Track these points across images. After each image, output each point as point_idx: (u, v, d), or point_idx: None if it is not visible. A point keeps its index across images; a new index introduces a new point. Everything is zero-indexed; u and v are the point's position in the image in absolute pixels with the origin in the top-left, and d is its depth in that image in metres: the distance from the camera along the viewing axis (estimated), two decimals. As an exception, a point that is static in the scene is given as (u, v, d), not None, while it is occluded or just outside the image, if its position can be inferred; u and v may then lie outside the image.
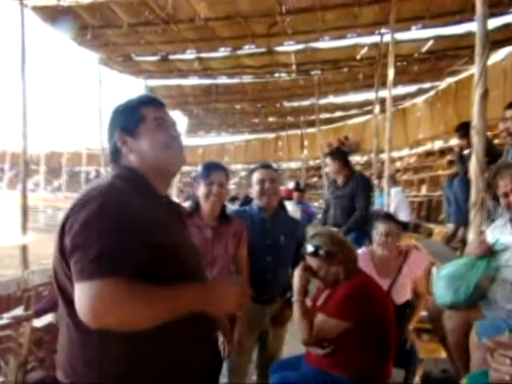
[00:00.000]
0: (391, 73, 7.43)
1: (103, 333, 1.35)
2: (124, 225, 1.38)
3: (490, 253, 2.72)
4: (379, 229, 3.60)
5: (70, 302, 1.40)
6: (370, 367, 2.56)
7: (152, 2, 7.79)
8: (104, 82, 11.21)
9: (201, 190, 2.97)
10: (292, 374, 2.80)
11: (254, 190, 3.32)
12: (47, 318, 4.60)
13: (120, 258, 1.32)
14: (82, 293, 1.29)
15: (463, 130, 5.67)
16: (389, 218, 3.81)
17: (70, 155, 31.12)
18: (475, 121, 3.21)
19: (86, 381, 1.45)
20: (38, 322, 4.72)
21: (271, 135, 25.24)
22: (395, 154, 15.17)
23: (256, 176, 3.34)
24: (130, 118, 1.67)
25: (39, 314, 3.73)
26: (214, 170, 3.01)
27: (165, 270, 1.47)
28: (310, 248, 2.76)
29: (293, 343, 3.47)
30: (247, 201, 5.11)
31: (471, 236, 3.22)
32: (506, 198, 2.65)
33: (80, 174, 29.95)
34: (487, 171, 3.28)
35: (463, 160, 5.63)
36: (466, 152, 5.96)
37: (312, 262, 2.75)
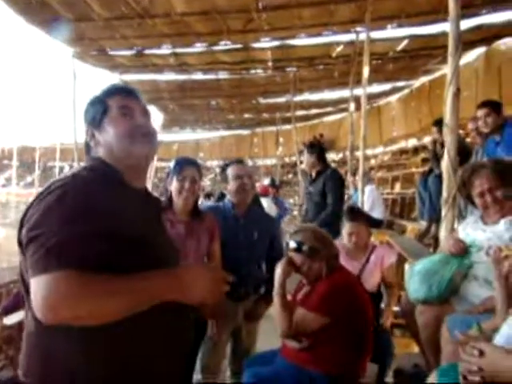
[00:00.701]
0: (366, 71, 7.49)
1: (59, 328, 1.26)
2: (82, 215, 1.30)
3: (464, 252, 2.76)
4: (345, 228, 3.71)
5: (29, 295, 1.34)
6: (346, 363, 2.57)
7: (127, -5, 7.69)
8: (78, 76, 10.98)
9: (173, 186, 2.95)
10: (265, 370, 2.79)
11: (232, 186, 3.29)
12: (18, 316, 4.54)
13: (76, 249, 1.25)
14: (37, 287, 1.21)
15: (441, 124, 5.74)
16: (355, 214, 3.86)
17: (44, 150, 30.65)
18: (448, 119, 3.25)
19: (39, 379, 1.38)
20: (8, 320, 4.66)
21: (246, 132, 25.31)
22: (370, 152, 15.35)
23: (233, 172, 3.32)
24: (97, 110, 1.61)
25: (7, 311, 3.67)
26: (186, 165, 2.99)
27: (129, 264, 1.34)
28: (292, 244, 2.76)
29: (265, 340, 3.49)
30: (222, 197, 5.10)
31: (443, 232, 3.27)
32: (482, 198, 2.68)
33: (54, 169, 29.52)
34: (459, 169, 3.37)
35: (438, 157, 5.70)
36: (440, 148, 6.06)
37: (295, 257, 2.76)
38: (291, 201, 17.00)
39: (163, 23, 8.86)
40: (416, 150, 13.16)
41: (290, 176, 20.67)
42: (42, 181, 30.34)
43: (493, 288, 2.55)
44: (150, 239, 1.52)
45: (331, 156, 18.42)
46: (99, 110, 1.60)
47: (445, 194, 3.24)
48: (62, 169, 30.16)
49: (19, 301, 3.53)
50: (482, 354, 1.39)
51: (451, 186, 3.21)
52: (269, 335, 3.42)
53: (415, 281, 2.87)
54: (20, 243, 1.35)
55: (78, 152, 11.01)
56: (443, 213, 3.26)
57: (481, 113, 4.51)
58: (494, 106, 4.51)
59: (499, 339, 1.56)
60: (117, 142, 1.55)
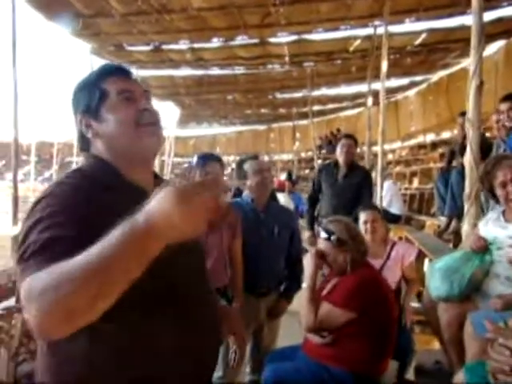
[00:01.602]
0: (384, 65, 7.43)
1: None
2: (65, 222, 1.15)
3: (485, 249, 2.73)
4: (361, 218, 3.74)
5: None
6: (368, 360, 2.56)
7: (145, -9, 7.72)
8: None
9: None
10: (287, 366, 2.79)
11: (253, 181, 3.28)
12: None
13: (47, 253, 1.08)
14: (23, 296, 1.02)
15: None
16: (368, 207, 3.90)
17: (61, 146, 30.82)
18: (470, 113, 3.22)
19: None
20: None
21: (263, 127, 25.26)
22: (387, 147, 15.21)
23: (253, 167, 3.31)
24: (91, 96, 1.39)
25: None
26: (210, 160, 3.01)
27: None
28: (322, 233, 2.77)
29: (285, 336, 3.48)
30: (238, 193, 5.09)
31: (465, 228, 3.24)
32: (504, 189, 2.65)
33: (71, 164, 29.73)
34: (481, 164, 3.33)
35: (461, 151, 5.64)
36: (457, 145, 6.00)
37: (322, 245, 2.76)
38: (305, 195, 16.96)
39: (180, 18, 8.85)
40: (434, 145, 13.01)
41: (307, 171, 20.55)
42: (59, 176, 30.58)
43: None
44: None
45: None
46: (95, 95, 1.39)
47: (467, 189, 3.20)
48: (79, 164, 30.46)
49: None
50: None
51: (474, 181, 3.17)
52: (289, 331, 3.42)
53: (436, 278, 2.85)
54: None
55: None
56: (466, 208, 3.22)
57: (504, 107, 4.43)
58: (516, 100, 4.44)
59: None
60: (120, 131, 1.38)
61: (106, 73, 1.44)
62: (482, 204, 4.22)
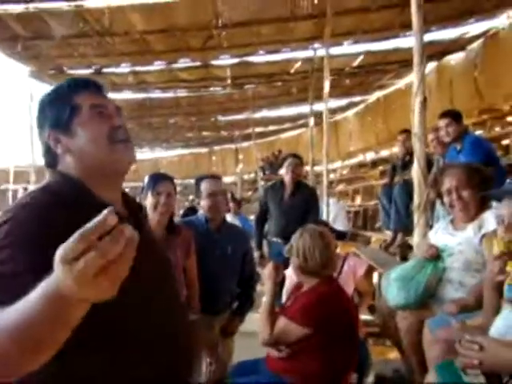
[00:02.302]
0: (327, 85, 7.63)
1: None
2: (29, 251, 1.08)
3: (437, 256, 2.84)
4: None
5: None
6: (326, 375, 2.54)
7: (87, 14, 7.61)
8: (35, 96, 10.72)
9: (148, 201, 2.92)
10: (245, 380, 2.79)
11: (206, 203, 3.29)
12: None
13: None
14: None
15: (408, 132, 5.90)
16: (322, 225, 3.91)
17: (-4, 173, 29.70)
18: (416, 128, 3.35)
19: None
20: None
21: (205, 150, 25.27)
22: (329, 166, 15.56)
23: (207, 189, 3.31)
24: (61, 110, 1.34)
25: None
26: (161, 180, 2.99)
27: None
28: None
29: (241, 355, 3.47)
30: (189, 212, 5.06)
31: (416, 238, 3.35)
32: (449, 196, 2.78)
33: (7, 192, 28.69)
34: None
35: (405, 165, 5.85)
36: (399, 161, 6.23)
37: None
38: (252, 217, 17.00)
39: (123, 41, 8.78)
40: (374, 164, 13.42)
41: (250, 193, 20.65)
42: (24, 195, 29.30)
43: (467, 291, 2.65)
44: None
45: (290, 171, 18.53)
46: (65, 109, 1.34)
47: (416, 200, 3.32)
48: (15, 192, 29.45)
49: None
50: (481, 347, 1.43)
51: (422, 193, 3.30)
52: (243, 351, 3.41)
53: (393, 288, 2.93)
54: None
55: (35, 174, 10.75)
56: (415, 219, 3.34)
57: (442, 123, 4.65)
58: (454, 116, 4.67)
59: (494, 332, 1.61)
60: (93, 147, 1.33)
61: (77, 87, 1.39)
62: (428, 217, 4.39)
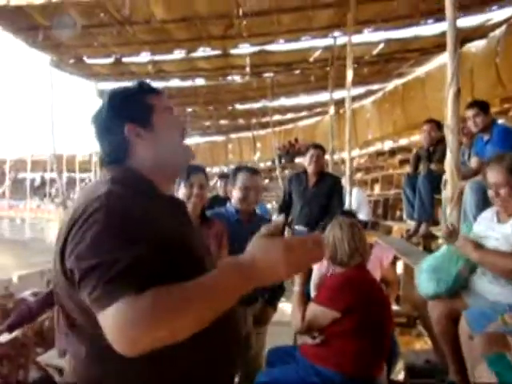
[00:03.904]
0: (350, 73, 7.57)
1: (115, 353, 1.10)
2: (134, 236, 1.18)
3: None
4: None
5: (73, 324, 1.28)
6: (360, 361, 2.56)
7: (108, 4, 7.64)
8: (55, 85, 10.78)
9: (181, 192, 2.95)
10: (280, 371, 2.82)
11: (236, 195, 3.32)
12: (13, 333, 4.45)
13: (139, 272, 1.12)
14: (108, 322, 1.08)
15: (435, 123, 5.89)
16: (349, 215, 3.91)
17: (14, 162, 29.99)
18: (449, 119, 3.34)
19: None
20: (2, 337, 4.57)
21: (221, 138, 25.26)
22: (345, 155, 15.50)
23: (241, 181, 3.32)
24: (141, 107, 1.44)
25: (12, 328, 3.60)
26: (193, 171, 3.00)
27: (185, 275, 1.17)
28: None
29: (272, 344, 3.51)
30: (215, 202, 5.08)
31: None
32: (493, 189, 2.76)
33: (25, 180, 29.01)
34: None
35: (430, 156, 5.82)
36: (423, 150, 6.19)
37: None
38: (269, 206, 17.03)
39: (143, 30, 8.82)
40: (393, 152, 13.35)
41: (267, 181, 20.65)
42: (12, 193, 29.76)
43: (502, 285, 2.64)
44: (193, 246, 1.43)
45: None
46: (144, 107, 1.44)
47: (449, 192, 3.31)
48: (33, 180, 29.77)
49: (24, 316, 3.46)
50: None
51: (455, 185, 3.29)
52: (275, 340, 3.45)
53: (423, 278, 2.94)
54: (64, 274, 1.23)
55: (51, 162, 10.84)
56: (448, 211, 3.33)
57: (470, 113, 4.61)
58: (482, 106, 4.63)
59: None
60: (171, 143, 1.47)
61: (147, 89, 1.50)
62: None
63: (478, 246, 2.70)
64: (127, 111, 1.43)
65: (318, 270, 3.29)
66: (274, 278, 1.17)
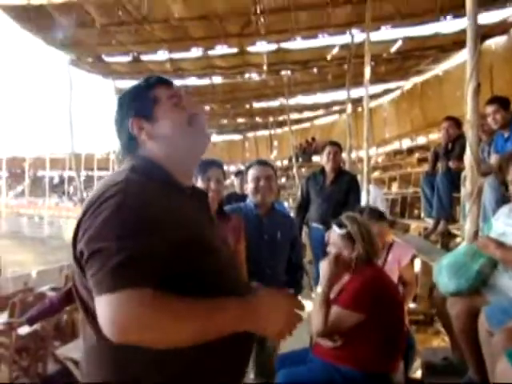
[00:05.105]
0: (368, 71, 7.51)
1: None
2: (147, 226, 1.19)
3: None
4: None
5: (87, 311, 1.29)
6: (380, 360, 2.57)
7: (127, 2, 7.69)
8: (73, 84, 10.84)
9: (198, 186, 2.96)
10: (299, 370, 2.79)
11: (249, 187, 3.33)
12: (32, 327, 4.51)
13: (145, 265, 1.14)
14: (103, 307, 1.12)
15: (454, 120, 5.86)
16: (375, 214, 3.86)
17: (33, 160, 30.40)
18: (469, 115, 3.30)
19: None
20: (22, 330, 4.64)
21: (238, 136, 25.31)
22: (363, 154, 15.44)
23: (251, 173, 3.34)
24: (144, 101, 1.47)
25: (32, 321, 3.65)
26: (211, 166, 3.01)
27: (200, 272, 1.29)
28: (335, 226, 2.79)
29: (289, 341, 3.49)
30: (232, 199, 5.09)
31: (467, 227, 3.30)
32: None
33: (43, 178, 29.37)
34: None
35: (448, 153, 5.77)
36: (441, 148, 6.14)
37: (332, 238, 2.79)
38: (286, 204, 17.04)
39: (160, 28, 8.88)
40: (411, 151, 13.26)
41: (283, 180, 20.64)
42: (31, 191, 30.21)
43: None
44: (210, 241, 1.41)
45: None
46: (147, 100, 1.47)
47: (469, 188, 3.28)
48: (51, 178, 30.14)
49: (45, 310, 3.49)
50: None
51: (474, 180, 3.26)
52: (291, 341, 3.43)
53: (444, 275, 2.90)
54: (76, 259, 1.26)
55: (70, 161, 10.91)
56: (467, 207, 3.30)
57: (490, 109, 4.55)
58: (502, 102, 4.56)
59: None
60: (175, 131, 1.45)
61: (153, 82, 1.51)
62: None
63: (500, 244, 2.67)
64: (132, 106, 1.48)
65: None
66: (264, 328, 1.34)
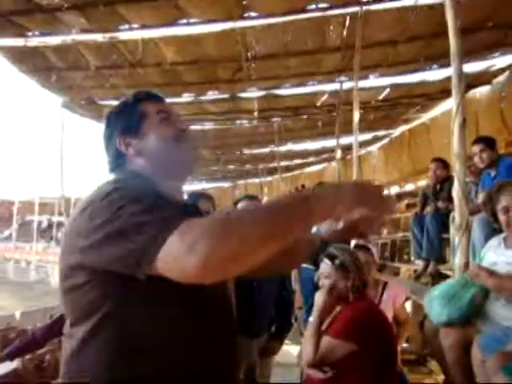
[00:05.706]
0: (356, 117, 7.65)
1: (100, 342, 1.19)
2: (154, 207, 1.15)
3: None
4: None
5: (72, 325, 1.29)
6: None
7: (121, 46, 7.83)
8: (66, 127, 10.90)
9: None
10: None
11: None
12: (12, 364, 4.37)
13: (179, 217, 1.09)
14: (175, 248, 1.02)
15: (441, 161, 5.98)
16: (360, 247, 3.85)
17: (22, 204, 30.23)
18: (456, 148, 3.36)
19: None
20: (1, 369, 4.48)
21: (228, 184, 25.38)
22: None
23: (241, 207, 3.34)
24: (131, 117, 1.46)
25: (13, 356, 3.56)
26: (200, 197, 3.02)
27: None
28: (325, 259, 2.75)
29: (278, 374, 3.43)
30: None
31: (458, 259, 3.30)
32: (506, 214, 2.74)
33: (32, 223, 29.15)
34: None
35: (437, 194, 5.84)
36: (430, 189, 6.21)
37: (324, 270, 2.75)
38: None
39: (153, 72, 9.02)
40: (399, 197, 13.34)
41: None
42: (19, 235, 29.85)
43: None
44: None
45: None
46: (134, 116, 1.46)
47: (458, 220, 3.29)
48: (40, 223, 29.88)
49: (28, 343, 3.41)
50: None
51: (463, 213, 3.27)
52: (280, 372, 3.37)
53: (436, 305, 2.89)
54: (71, 268, 1.28)
55: (59, 205, 10.84)
56: (457, 239, 3.31)
57: (476, 149, 4.64)
58: (487, 142, 4.66)
59: None
60: (162, 146, 1.43)
61: (141, 97, 1.51)
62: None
63: (491, 272, 2.67)
64: (118, 124, 1.48)
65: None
66: (336, 204, 1.12)
